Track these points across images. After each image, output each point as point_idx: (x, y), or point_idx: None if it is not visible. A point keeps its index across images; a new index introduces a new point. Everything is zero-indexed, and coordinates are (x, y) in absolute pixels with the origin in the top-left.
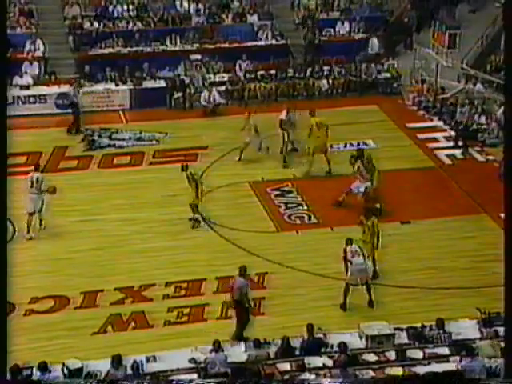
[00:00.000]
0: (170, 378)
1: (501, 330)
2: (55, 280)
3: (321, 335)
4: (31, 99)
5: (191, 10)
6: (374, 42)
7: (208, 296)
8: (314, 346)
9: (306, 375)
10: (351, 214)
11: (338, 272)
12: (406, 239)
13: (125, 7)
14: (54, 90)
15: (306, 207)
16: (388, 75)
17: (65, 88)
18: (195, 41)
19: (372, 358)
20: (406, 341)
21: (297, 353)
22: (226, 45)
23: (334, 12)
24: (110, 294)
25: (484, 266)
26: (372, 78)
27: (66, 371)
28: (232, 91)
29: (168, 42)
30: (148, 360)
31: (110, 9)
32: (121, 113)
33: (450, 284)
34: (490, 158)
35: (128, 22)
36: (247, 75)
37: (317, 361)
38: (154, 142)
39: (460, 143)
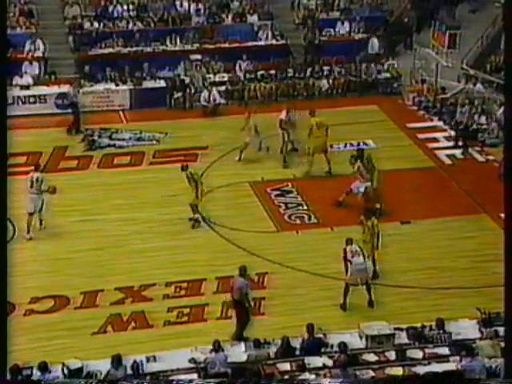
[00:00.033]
0: (170, 377)
1: (501, 330)
2: (55, 280)
3: (321, 335)
4: (31, 99)
5: (191, 10)
6: (374, 42)
7: (208, 296)
8: (314, 345)
9: (306, 375)
10: (351, 214)
11: (337, 272)
12: (405, 239)
13: (125, 7)
14: (54, 90)
15: (306, 207)
16: (388, 75)
17: (65, 88)
18: (195, 41)
19: (372, 357)
20: (406, 341)
21: (297, 353)
22: (226, 45)
23: (334, 12)
24: (110, 293)
25: (484, 265)
26: (372, 78)
27: (66, 371)
28: (232, 91)
29: (168, 42)
30: (148, 360)
31: (110, 9)
32: (121, 113)
33: (450, 284)
34: (490, 157)
35: (128, 22)
36: (247, 75)
37: (317, 361)
38: (154, 142)
39: (460, 143)
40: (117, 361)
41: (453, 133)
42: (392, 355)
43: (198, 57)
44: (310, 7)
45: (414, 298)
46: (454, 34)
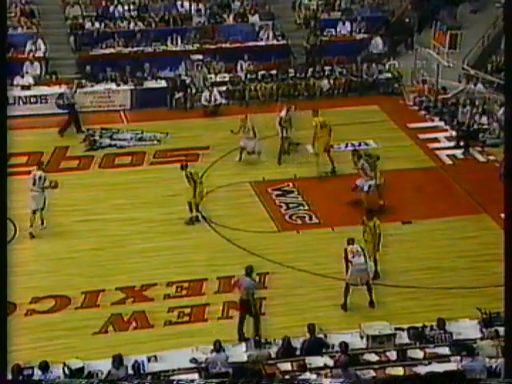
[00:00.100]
0: (171, 377)
1: (501, 330)
2: (56, 280)
3: (321, 335)
4: (32, 99)
5: (192, 10)
6: (377, 42)
7: (209, 296)
8: (315, 345)
9: (307, 375)
10: (352, 214)
11: (338, 272)
12: (406, 239)
13: (126, 7)
14: (55, 90)
15: (306, 207)
16: (389, 75)
17: (63, 88)
18: (196, 41)
19: (373, 357)
20: (406, 341)
21: (298, 353)
22: (227, 45)
23: (335, 12)
24: (111, 293)
25: (485, 265)
26: (373, 78)
27: (67, 371)
28: (233, 91)
29: (169, 42)
30: (149, 360)
31: (111, 9)
32: (122, 113)
33: (450, 284)
34: (491, 158)
35: (129, 22)
36: (248, 75)
37: (318, 361)
38: (155, 142)
39: (461, 143)
40: (118, 361)
41: (454, 133)
42: (393, 355)
43: (199, 57)
44: (311, 7)
45: (415, 297)
46: (455, 35)
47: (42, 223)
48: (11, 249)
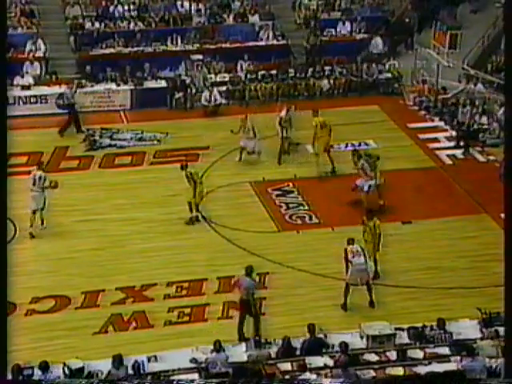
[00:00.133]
0: (171, 377)
1: (501, 330)
2: (56, 280)
3: (321, 335)
4: (32, 99)
5: (192, 10)
6: (378, 42)
7: (209, 296)
8: (315, 345)
9: (307, 375)
10: (352, 214)
11: (338, 272)
12: (406, 239)
13: (126, 7)
14: (55, 90)
15: (307, 207)
16: (389, 75)
17: (63, 88)
18: (196, 41)
19: (373, 357)
20: (406, 341)
21: (298, 353)
22: (227, 45)
23: (335, 12)
24: (111, 293)
25: (485, 265)
26: (373, 78)
27: (67, 371)
28: (233, 91)
29: (169, 42)
30: (149, 360)
31: (111, 9)
32: (122, 113)
33: (450, 284)
34: (491, 158)
35: (129, 22)
36: (248, 75)
37: (318, 361)
38: (155, 142)
39: (461, 143)
40: (118, 361)
41: (454, 133)
42: (393, 355)
43: (199, 57)
44: (311, 7)
45: (415, 297)
46: (455, 35)
47: (42, 223)
48: (11, 249)
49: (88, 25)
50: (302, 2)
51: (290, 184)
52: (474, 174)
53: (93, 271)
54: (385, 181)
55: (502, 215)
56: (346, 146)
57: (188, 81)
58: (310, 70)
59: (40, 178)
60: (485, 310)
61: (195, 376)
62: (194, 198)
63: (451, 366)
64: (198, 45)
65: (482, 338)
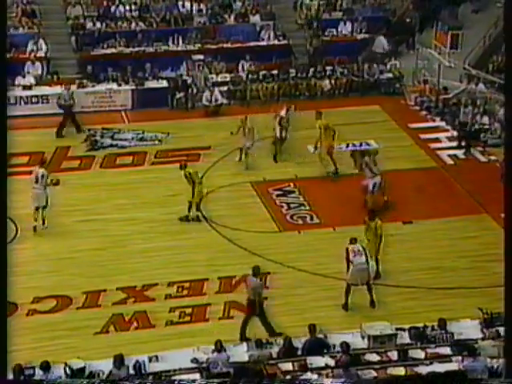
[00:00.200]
0: (173, 377)
1: (503, 330)
2: (57, 280)
3: (322, 335)
4: (34, 99)
5: (193, 11)
6: (382, 41)
7: (210, 296)
8: (316, 345)
9: (308, 375)
10: (353, 215)
11: (339, 272)
12: (407, 239)
13: (127, 7)
14: (57, 90)
15: (308, 207)
16: (390, 75)
17: (61, 89)
18: (197, 41)
19: (374, 357)
20: (408, 341)
21: (299, 353)
22: (229, 45)
23: (336, 12)
24: (112, 293)
25: (486, 266)
26: (374, 78)
27: (68, 371)
28: (234, 91)
29: (170, 42)
30: (150, 360)
31: (113, 9)
32: (123, 113)
33: (451, 284)
34: (492, 158)
35: (130, 22)
36: (249, 75)
37: (319, 361)
38: (156, 142)
39: (463, 143)
40: (119, 361)
41: (455, 133)
42: (394, 355)
43: (200, 57)
44: (313, 7)
45: (416, 297)
46: (457, 35)
47: (44, 223)
48: (12, 249)
49: (89, 25)
50: (304, 2)
51: (291, 184)
52: (476, 174)
53: (94, 271)
54: (384, 181)
55: (503, 215)
56: (347, 146)
57: (189, 81)
58: (312, 70)
59: (43, 176)
60: (486, 310)
61: (196, 376)
62: (192, 198)
63: (452, 366)
64: (199, 45)
65: (483, 338)
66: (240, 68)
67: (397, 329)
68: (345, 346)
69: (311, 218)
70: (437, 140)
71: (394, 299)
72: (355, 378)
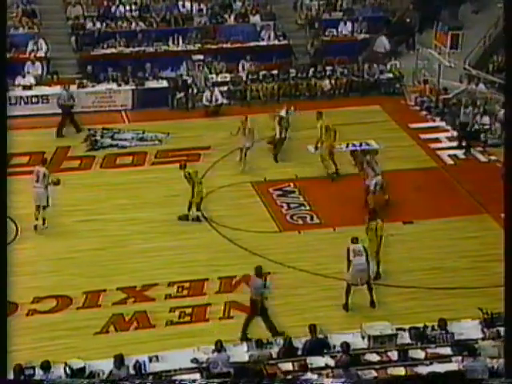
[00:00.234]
0: (173, 377)
1: (503, 330)
2: (57, 280)
3: (322, 336)
4: (34, 99)
5: (193, 11)
6: (383, 41)
7: (210, 296)
8: (317, 346)
9: (309, 375)
10: (353, 215)
11: (339, 272)
12: (408, 239)
13: (127, 7)
14: (57, 90)
15: (308, 207)
16: (390, 75)
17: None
18: (197, 41)
19: (374, 358)
20: (408, 341)
21: (299, 353)
22: (229, 45)
23: (336, 12)
24: (112, 293)
25: (486, 266)
26: (374, 79)
27: (68, 371)
28: (234, 91)
29: (170, 43)
30: (150, 360)
31: (113, 9)
32: (123, 113)
33: (452, 284)
34: (493, 158)
35: (130, 22)
36: (249, 75)
37: (319, 361)
38: (157, 142)
39: (463, 143)
40: (119, 361)
41: (455, 133)
42: (394, 355)
43: (201, 57)
44: (313, 8)
45: (416, 298)
46: (457, 35)
47: (44, 223)
48: (13, 249)
49: (89, 25)
50: (304, 2)
51: (291, 184)
52: (476, 174)
53: (94, 271)
54: (386, 180)
55: (503, 215)
56: (347, 146)
57: (189, 81)
58: (312, 70)
59: (44, 175)
60: (486, 310)
61: (197, 376)
62: (192, 198)
63: (453, 367)
64: (199, 45)
65: (483, 339)
66: (240, 68)
67: (397, 329)
68: (345, 346)
69: (311, 218)
70: (437, 140)
71: (395, 299)
72: (355, 378)
